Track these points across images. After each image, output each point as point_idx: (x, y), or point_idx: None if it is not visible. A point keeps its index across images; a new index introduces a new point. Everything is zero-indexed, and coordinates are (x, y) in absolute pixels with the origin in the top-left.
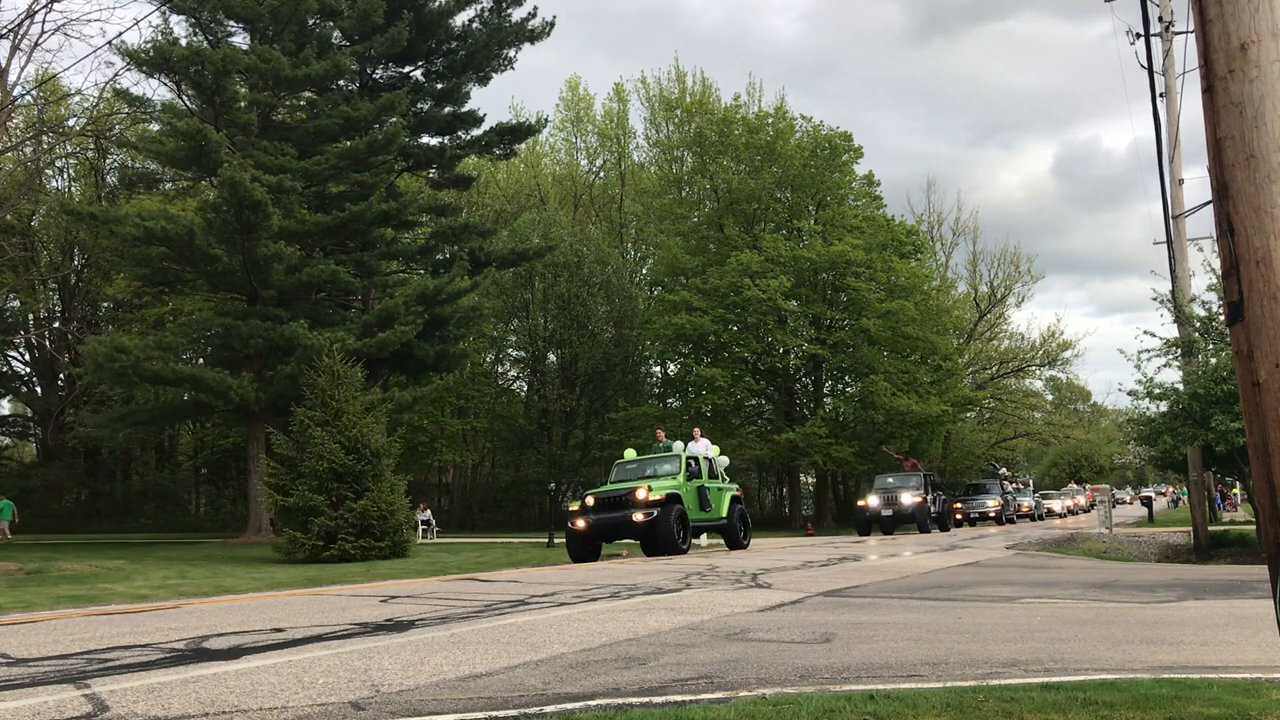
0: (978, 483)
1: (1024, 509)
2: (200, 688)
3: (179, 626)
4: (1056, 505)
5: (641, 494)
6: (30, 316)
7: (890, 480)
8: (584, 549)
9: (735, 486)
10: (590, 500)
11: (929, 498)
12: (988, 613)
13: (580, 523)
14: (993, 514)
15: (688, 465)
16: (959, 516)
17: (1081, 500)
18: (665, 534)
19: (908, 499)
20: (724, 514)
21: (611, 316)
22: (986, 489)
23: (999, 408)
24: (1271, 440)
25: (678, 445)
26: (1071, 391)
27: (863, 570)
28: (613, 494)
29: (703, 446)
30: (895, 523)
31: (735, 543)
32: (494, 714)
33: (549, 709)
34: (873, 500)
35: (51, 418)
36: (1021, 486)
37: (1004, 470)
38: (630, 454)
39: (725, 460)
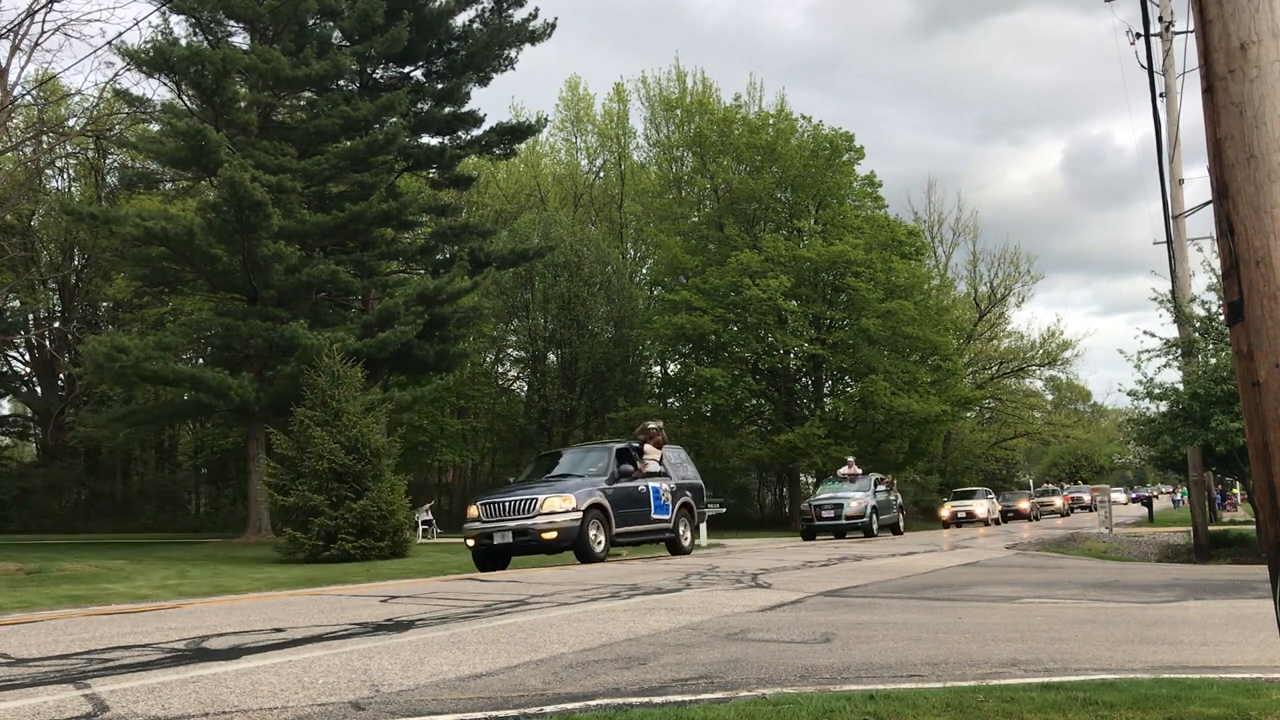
0: (624, 447)
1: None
2: (200, 688)
3: (179, 626)
4: (980, 509)
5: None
6: (30, 316)
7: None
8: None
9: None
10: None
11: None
12: (988, 612)
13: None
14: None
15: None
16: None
17: (1058, 502)
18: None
19: None
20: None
21: (611, 316)
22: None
23: (999, 408)
24: (1271, 440)
25: None
26: (1071, 391)
27: (863, 570)
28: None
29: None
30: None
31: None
32: (494, 714)
33: (549, 709)
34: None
35: (51, 418)
36: (889, 486)
37: (848, 466)
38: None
39: None
